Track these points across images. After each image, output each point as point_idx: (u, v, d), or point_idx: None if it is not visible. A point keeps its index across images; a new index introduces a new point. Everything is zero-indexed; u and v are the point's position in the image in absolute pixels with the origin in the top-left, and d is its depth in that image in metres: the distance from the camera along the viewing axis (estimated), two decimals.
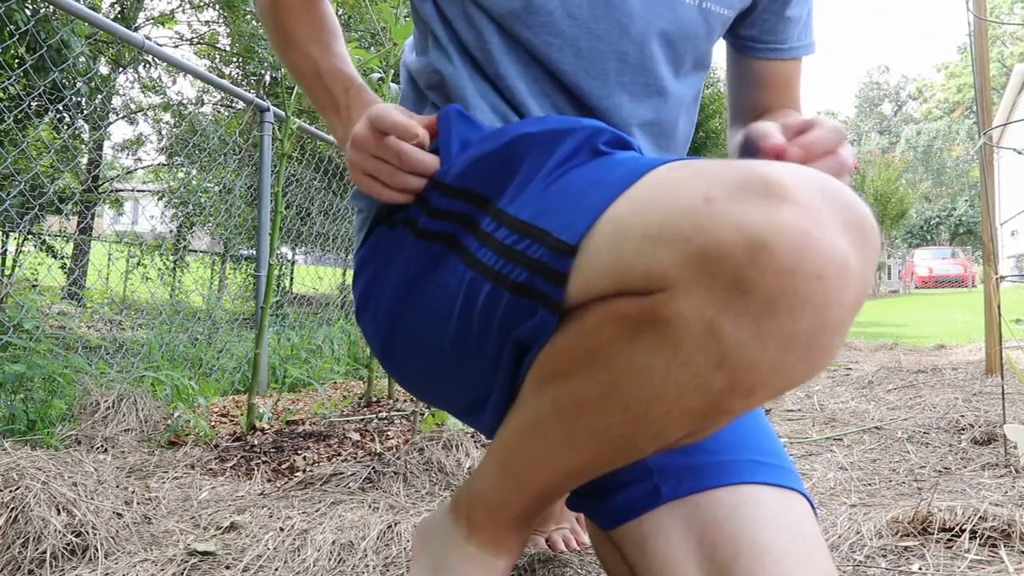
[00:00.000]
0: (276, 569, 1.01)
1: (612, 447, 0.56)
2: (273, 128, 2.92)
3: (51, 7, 4.56)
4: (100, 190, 8.67)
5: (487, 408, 0.69)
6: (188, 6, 10.18)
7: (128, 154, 11.04)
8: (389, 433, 1.95)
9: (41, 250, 7.58)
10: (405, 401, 2.44)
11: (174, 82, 12.35)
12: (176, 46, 10.39)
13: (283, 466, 1.63)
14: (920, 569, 0.97)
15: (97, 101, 6.07)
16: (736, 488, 0.62)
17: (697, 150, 11.47)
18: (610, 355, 0.52)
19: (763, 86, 0.92)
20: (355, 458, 1.66)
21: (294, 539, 1.11)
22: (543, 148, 0.65)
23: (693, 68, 0.86)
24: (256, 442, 1.81)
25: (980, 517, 1.06)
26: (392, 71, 2.14)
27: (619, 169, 0.58)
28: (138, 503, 1.29)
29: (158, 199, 8.65)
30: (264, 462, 1.65)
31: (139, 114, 10.22)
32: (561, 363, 0.56)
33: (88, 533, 1.03)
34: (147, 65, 9.49)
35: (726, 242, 0.44)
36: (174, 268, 7.28)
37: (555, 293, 0.55)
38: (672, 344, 0.47)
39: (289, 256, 8.15)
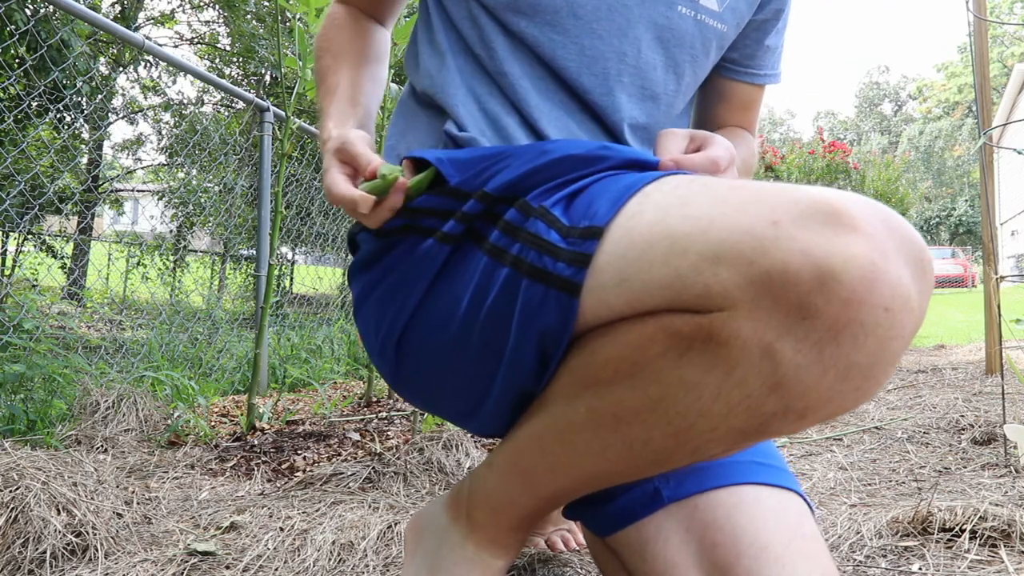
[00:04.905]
0: (276, 569, 1.01)
1: (646, 459, 0.56)
2: (273, 128, 2.92)
3: (51, 7, 4.56)
4: (100, 190, 8.67)
5: (487, 405, 0.68)
6: (188, 6, 10.18)
7: (128, 154, 11.04)
8: (389, 433, 1.95)
9: (41, 250, 7.58)
10: (405, 401, 2.44)
11: (174, 82, 12.35)
12: (176, 46, 10.39)
13: (283, 466, 1.63)
14: (920, 569, 0.97)
15: (97, 101, 6.07)
16: (736, 489, 0.62)
17: None
18: (658, 369, 0.51)
19: (730, 105, 0.97)
20: (355, 458, 1.66)
21: (294, 539, 1.11)
22: (584, 163, 0.66)
23: (693, 82, 0.87)
24: (256, 442, 1.81)
25: (980, 517, 1.06)
26: (392, 71, 2.14)
27: (654, 173, 0.60)
28: (138, 503, 1.29)
29: (158, 199, 8.65)
30: (264, 462, 1.65)
31: (139, 114, 10.22)
32: (604, 373, 0.55)
33: (88, 533, 1.03)
34: (147, 65, 9.49)
35: (792, 267, 0.44)
36: (174, 268, 7.28)
37: (576, 275, 0.55)
38: (727, 364, 0.48)
39: (289, 256, 8.15)
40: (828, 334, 0.44)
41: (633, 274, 0.52)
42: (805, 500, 0.65)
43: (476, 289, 0.64)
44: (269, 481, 1.52)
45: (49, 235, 7.68)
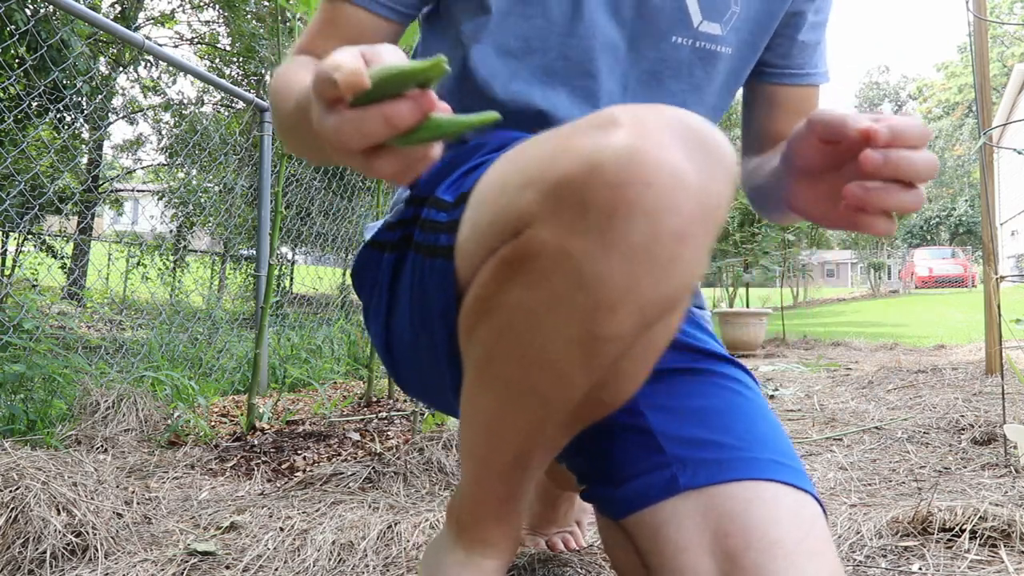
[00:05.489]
0: (276, 569, 1.01)
1: (530, 403, 0.59)
2: (273, 128, 2.92)
3: (51, 7, 4.56)
4: (100, 190, 8.67)
5: (451, 397, 0.72)
6: (188, 6, 10.18)
7: (128, 155, 11.05)
8: (389, 433, 1.95)
9: (41, 250, 7.58)
10: (405, 401, 2.44)
11: (174, 82, 12.35)
12: (176, 46, 10.39)
13: (283, 466, 1.63)
14: (920, 569, 0.97)
15: (97, 101, 6.06)
16: (754, 484, 0.63)
17: None
18: (498, 300, 0.55)
19: (779, 112, 0.90)
20: (355, 458, 1.66)
21: (294, 539, 1.11)
22: (472, 152, 0.73)
23: (702, 106, 0.84)
24: (256, 442, 1.81)
25: (980, 517, 1.06)
26: None
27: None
28: (138, 503, 1.29)
29: (158, 199, 8.65)
30: (264, 462, 1.65)
31: (139, 114, 10.22)
32: (469, 321, 0.59)
33: (88, 533, 1.03)
34: (148, 65, 9.49)
35: (571, 170, 0.48)
36: (174, 268, 7.28)
37: (451, 240, 0.61)
38: (541, 275, 0.51)
39: (289, 256, 8.15)
40: (603, 219, 0.47)
41: (477, 221, 0.56)
42: (820, 504, 0.65)
43: (411, 287, 0.70)
44: (269, 481, 1.52)
45: (49, 235, 7.68)
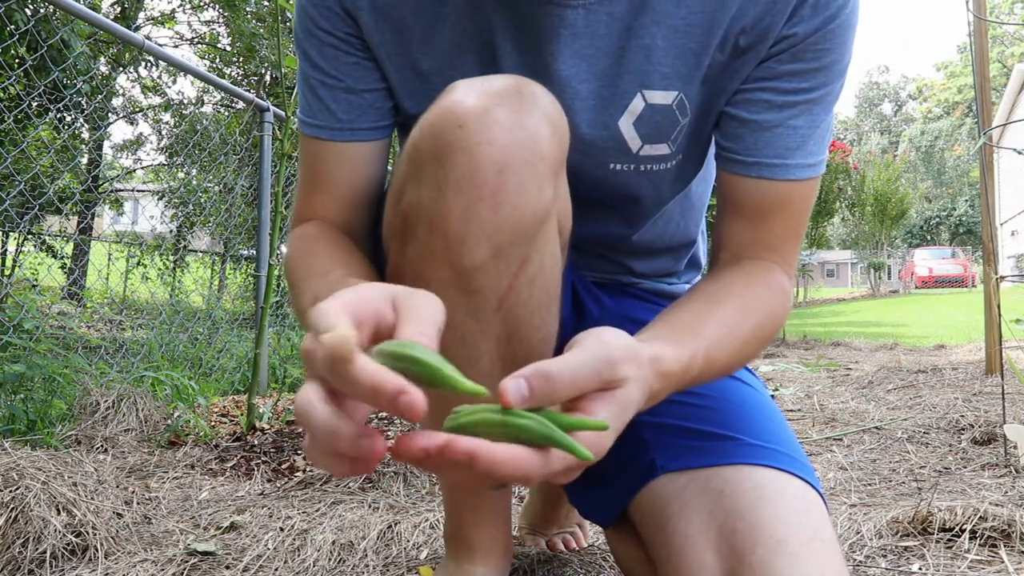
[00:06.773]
0: (276, 569, 1.01)
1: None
2: (273, 128, 2.92)
3: (51, 7, 4.56)
4: (100, 190, 8.67)
5: None
6: (188, 6, 10.18)
7: (128, 155, 11.05)
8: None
9: (41, 250, 7.58)
10: None
11: (174, 82, 12.36)
12: (176, 46, 10.39)
13: (283, 466, 1.63)
14: (920, 569, 0.97)
15: (97, 101, 6.06)
16: (762, 479, 0.63)
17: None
18: (397, 263, 0.62)
19: (735, 211, 0.69)
20: None
21: (294, 539, 1.11)
22: None
23: (654, 205, 0.77)
24: (256, 442, 1.81)
25: (980, 517, 1.06)
26: None
27: None
28: (138, 503, 1.29)
29: (158, 199, 8.65)
30: (264, 462, 1.65)
31: (139, 114, 10.22)
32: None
33: (88, 533, 1.03)
34: (148, 65, 9.50)
35: (415, 138, 0.57)
36: (174, 268, 7.28)
37: None
38: (412, 231, 0.58)
39: None
40: (432, 164, 0.54)
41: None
42: (821, 495, 0.66)
43: None
44: (269, 481, 1.52)
45: (49, 235, 7.68)
